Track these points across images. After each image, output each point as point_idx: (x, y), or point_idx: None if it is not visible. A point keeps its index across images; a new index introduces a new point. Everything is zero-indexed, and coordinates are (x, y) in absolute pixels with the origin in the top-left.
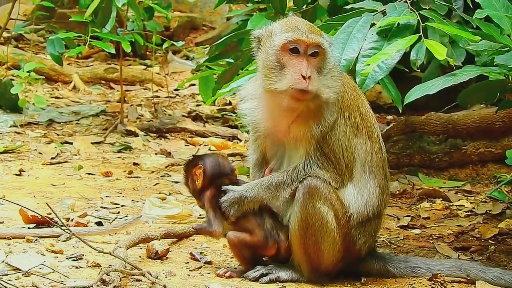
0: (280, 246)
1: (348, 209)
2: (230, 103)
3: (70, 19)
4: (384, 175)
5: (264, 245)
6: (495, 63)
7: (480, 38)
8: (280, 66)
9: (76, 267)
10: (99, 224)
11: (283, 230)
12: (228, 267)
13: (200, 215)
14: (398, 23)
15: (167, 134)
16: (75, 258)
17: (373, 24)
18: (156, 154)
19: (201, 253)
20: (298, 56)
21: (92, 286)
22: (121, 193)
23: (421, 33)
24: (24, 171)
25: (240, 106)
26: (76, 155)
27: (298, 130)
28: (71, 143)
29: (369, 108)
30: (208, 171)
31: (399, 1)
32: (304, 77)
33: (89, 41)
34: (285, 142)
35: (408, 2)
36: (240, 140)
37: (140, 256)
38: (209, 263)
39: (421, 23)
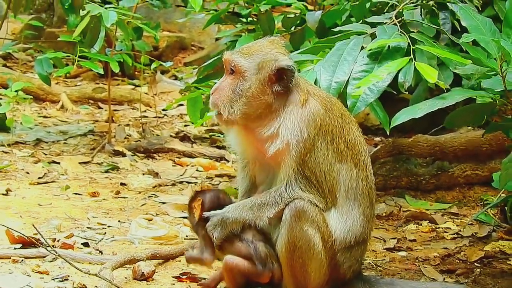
0: (274, 274)
1: (332, 233)
2: (218, 124)
3: (58, 39)
4: (370, 203)
5: (260, 273)
6: (482, 87)
7: (471, 61)
8: None
9: None
10: (85, 245)
11: (277, 258)
12: None
13: (186, 236)
14: (389, 46)
15: (154, 155)
16: (60, 279)
17: (363, 47)
18: (143, 174)
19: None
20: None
21: None
22: (108, 214)
23: (411, 56)
24: (11, 191)
25: (227, 136)
26: (63, 175)
27: (271, 151)
28: (59, 163)
29: (358, 136)
30: (206, 205)
31: (388, 24)
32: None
33: (78, 61)
34: (273, 165)
35: (398, 24)
36: (228, 161)
37: (126, 278)
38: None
39: (411, 45)
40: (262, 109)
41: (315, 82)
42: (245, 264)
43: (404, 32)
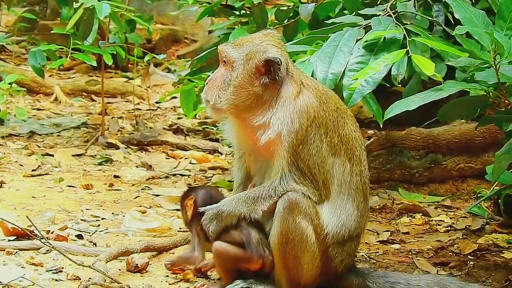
0: (265, 262)
1: (325, 227)
2: (208, 114)
3: (52, 31)
4: (364, 198)
5: (250, 258)
6: (475, 79)
7: (468, 54)
8: None
9: (56, 280)
10: (79, 237)
11: (269, 247)
12: (207, 281)
13: (180, 228)
14: (384, 37)
15: (148, 147)
16: (55, 271)
17: (357, 39)
18: (137, 167)
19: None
20: None
21: None
22: (101, 206)
23: (408, 48)
24: (5, 183)
25: (222, 127)
26: (57, 167)
27: (263, 140)
28: (52, 155)
29: (354, 130)
30: (199, 203)
31: (381, 16)
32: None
33: (71, 53)
34: (266, 156)
35: (393, 16)
36: (221, 154)
37: (119, 269)
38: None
39: (407, 37)
40: (251, 99)
41: (312, 74)
42: (234, 249)
43: (399, 24)
